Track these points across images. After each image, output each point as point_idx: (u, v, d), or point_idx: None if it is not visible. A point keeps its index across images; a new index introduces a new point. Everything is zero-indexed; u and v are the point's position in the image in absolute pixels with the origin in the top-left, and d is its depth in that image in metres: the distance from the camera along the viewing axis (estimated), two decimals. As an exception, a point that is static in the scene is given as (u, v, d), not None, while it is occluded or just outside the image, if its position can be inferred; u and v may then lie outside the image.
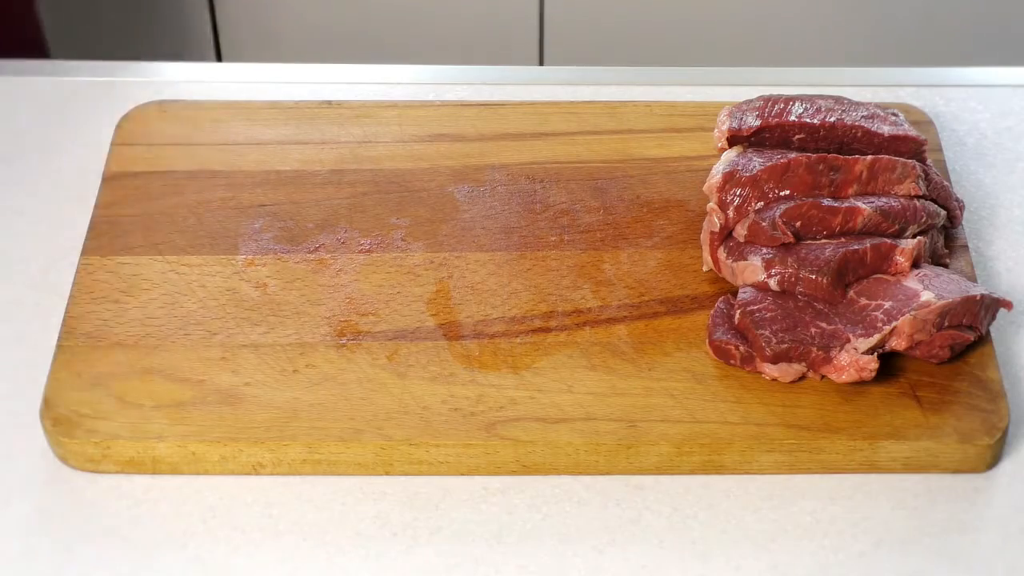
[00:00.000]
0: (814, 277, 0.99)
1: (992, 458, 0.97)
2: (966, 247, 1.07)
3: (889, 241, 1.00)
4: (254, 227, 1.08)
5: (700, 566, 0.92)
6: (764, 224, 1.01)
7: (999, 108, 1.20)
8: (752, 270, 1.01)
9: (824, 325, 0.98)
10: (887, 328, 0.96)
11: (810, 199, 1.02)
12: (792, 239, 1.00)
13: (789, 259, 1.00)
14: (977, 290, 0.98)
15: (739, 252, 1.02)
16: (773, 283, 1.00)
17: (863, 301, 0.99)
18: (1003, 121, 1.19)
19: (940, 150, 1.14)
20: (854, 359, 0.96)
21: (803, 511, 0.95)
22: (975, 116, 1.20)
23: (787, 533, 0.94)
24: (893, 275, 1.00)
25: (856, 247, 1.00)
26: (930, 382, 0.98)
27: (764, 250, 1.01)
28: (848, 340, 0.97)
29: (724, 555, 0.93)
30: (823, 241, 1.01)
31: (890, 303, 0.98)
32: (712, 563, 0.92)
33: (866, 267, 1.00)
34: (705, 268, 1.05)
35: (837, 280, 0.99)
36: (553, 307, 1.03)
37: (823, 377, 0.98)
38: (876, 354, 0.97)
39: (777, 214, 1.01)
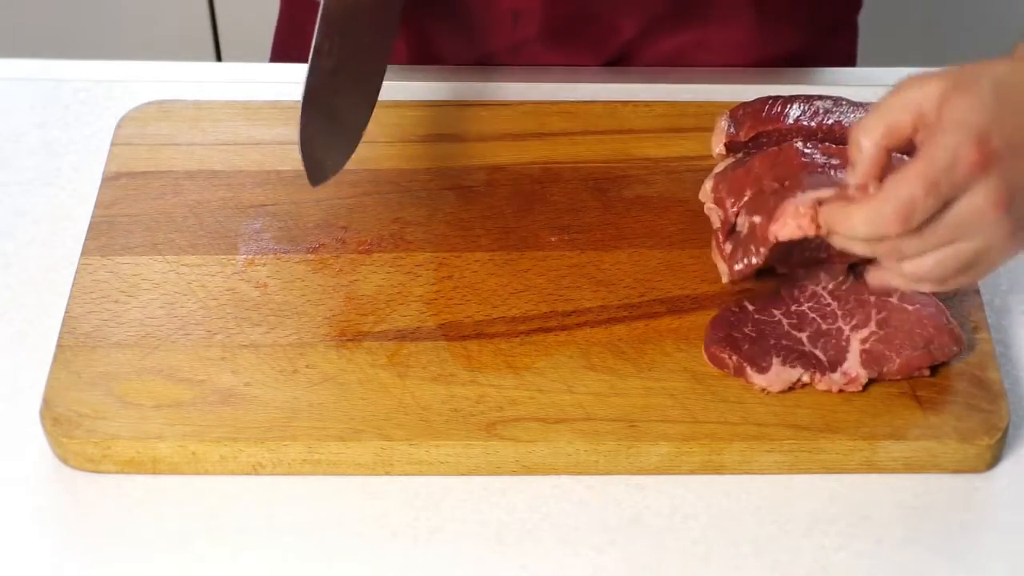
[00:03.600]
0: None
1: (992, 458, 0.97)
2: (966, 247, 1.07)
3: None
4: (254, 227, 1.08)
5: (700, 566, 0.92)
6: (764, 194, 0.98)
7: (999, 108, 1.20)
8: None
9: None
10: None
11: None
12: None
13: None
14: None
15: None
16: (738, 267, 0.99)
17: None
18: (1003, 121, 1.19)
19: (940, 150, 1.14)
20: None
21: (803, 511, 0.95)
22: (975, 116, 1.19)
23: (787, 533, 0.94)
24: None
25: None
26: (930, 382, 0.98)
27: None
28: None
29: (724, 555, 0.93)
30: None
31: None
32: (712, 563, 0.92)
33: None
34: (725, 280, 1.00)
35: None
36: (553, 307, 1.03)
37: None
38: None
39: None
